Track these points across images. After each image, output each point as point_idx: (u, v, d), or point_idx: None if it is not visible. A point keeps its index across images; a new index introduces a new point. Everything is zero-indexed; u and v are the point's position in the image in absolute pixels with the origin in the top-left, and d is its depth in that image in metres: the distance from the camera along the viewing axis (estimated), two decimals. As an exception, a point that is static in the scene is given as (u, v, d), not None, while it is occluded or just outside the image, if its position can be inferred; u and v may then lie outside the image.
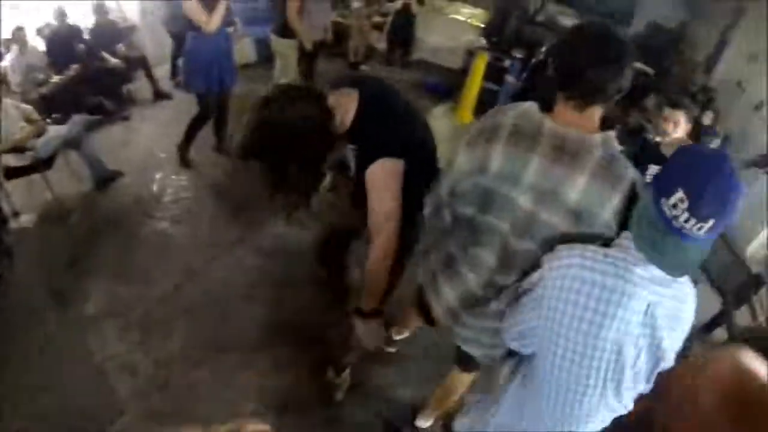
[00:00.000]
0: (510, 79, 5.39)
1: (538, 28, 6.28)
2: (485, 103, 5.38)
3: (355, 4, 5.86)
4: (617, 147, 1.16)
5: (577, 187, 1.11)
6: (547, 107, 1.21)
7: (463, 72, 5.69)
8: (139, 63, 4.92)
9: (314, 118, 1.45)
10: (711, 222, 0.94)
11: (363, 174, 1.53)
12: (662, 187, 1.00)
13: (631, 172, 1.14)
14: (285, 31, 3.90)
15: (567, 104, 1.16)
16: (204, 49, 3.45)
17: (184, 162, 3.90)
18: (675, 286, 1.03)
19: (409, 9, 5.90)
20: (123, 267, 2.98)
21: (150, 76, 4.92)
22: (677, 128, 2.68)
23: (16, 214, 3.33)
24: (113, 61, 4.67)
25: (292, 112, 1.42)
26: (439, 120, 5.49)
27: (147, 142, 4.25)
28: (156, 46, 5.40)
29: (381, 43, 6.53)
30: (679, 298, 1.05)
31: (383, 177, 1.50)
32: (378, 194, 1.51)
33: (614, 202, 1.11)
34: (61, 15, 4.42)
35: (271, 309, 2.80)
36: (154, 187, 3.71)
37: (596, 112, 1.17)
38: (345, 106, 1.55)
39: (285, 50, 4.03)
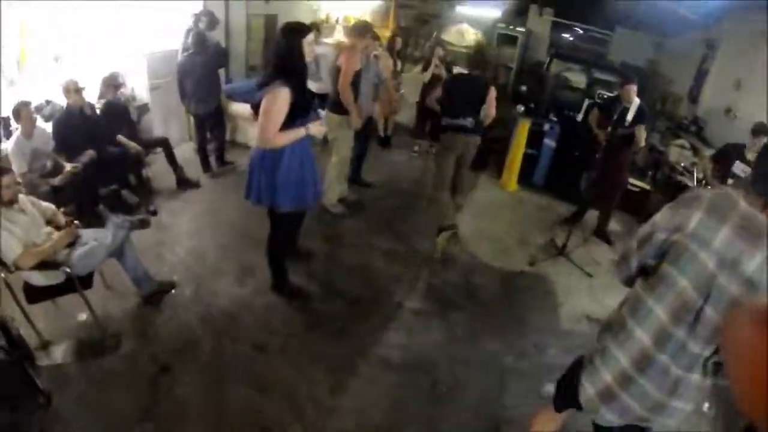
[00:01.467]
0: (549, 142, 5.23)
1: (558, 88, 6.35)
2: (526, 168, 5.24)
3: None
4: None
5: (755, 261, 1.27)
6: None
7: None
8: (159, 146, 4.23)
9: None
10: None
11: None
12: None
13: None
14: (338, 108, 3.85)
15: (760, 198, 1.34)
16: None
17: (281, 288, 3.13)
18: None
19: (440, 77, 5.68)
20: (218, 416, 2.20)
21: (174, 162, 4.22)
22: None
23: (45, 346, 2.49)
24: (132, 145, 3.94)
25: None
26: (486, 191, 5.16)
27: (189, 242, 3.53)
28: (166, 126, 4.77)
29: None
30: None
31: None
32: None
33: None
34: (74, 90, 3.55)
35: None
36: (222, 300, 2.97)
37: None
38: None
39: (337, 126, 3.90)
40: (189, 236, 3.59)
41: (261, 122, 2.41)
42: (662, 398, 1.44)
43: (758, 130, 3.74)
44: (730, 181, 3.80)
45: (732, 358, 0.71)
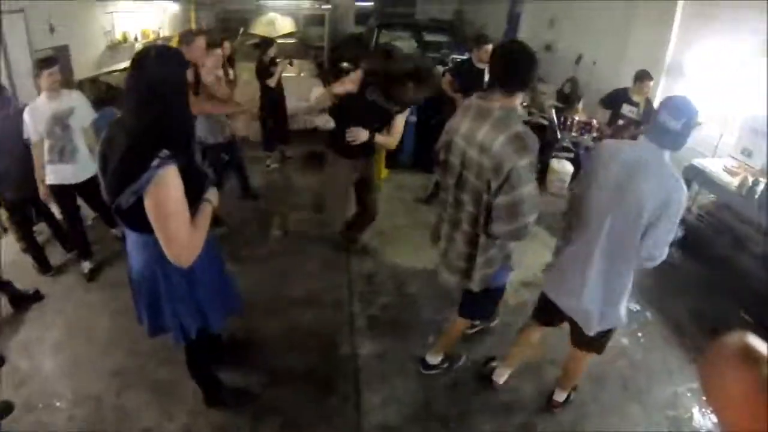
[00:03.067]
0: (409, 118, 5.22)
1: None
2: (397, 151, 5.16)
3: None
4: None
5: (482, 131, 1.98)
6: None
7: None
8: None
9: None
10: (683, 120, 1.83)
11: None
12: (657, 116, 1.90)
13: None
14: None
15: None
16: None
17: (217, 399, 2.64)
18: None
19: (280, 83, 5.31)
20: None
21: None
22: None
23: None
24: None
25: None
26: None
27: (60, 386, 2.80)
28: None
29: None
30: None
31: None
32: None
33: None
34: None
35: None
36: None
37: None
38: None
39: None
40: (57, 378, 2.81)
41: (164, 234, 1.63)
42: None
43: (640, 75, 4.26)
44: (620, 121, 4.23)
45: (720, 404, 0.70)
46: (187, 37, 3.49)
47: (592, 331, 2.18)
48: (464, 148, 2.04)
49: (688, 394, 3.02)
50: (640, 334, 3.46)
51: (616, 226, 1.95)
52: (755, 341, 0.69)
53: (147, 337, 2.08)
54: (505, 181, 1.88)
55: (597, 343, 2.32)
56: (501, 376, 2.80)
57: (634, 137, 4.21)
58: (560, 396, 2.77)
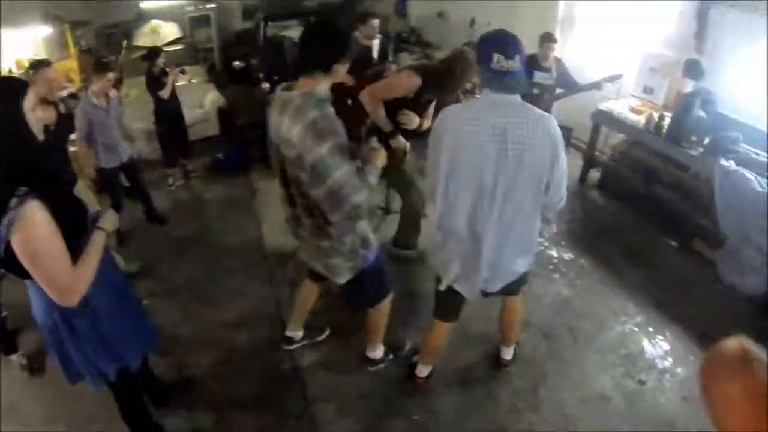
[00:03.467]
0: None
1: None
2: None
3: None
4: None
5: (284, 125, 1.81)
6: None
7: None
8: None
9: None
10: (517, 58, 1.69)
11: None
12: (485, 58, 1.71)
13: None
14: None
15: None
16: None
17: None
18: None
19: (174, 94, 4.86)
20: None
21: None
22: None
23: None
24: None
25: None
26: (266, 182, 4.76)
27: None
28: None
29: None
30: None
31: None
32: None
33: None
34: None
35: None
36: None
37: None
38: None
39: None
40: None
41: (40, 277, 1.48)
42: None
43: (545, 38, 4.13)
44: (534, 90, 4.08)
45: (720, 410, 0.69)
46: (36, 67, 3.07)
47: (516, 275, 2.10)
48: (278, 144, 1.89)
49: (636, 329, 3.09)
50: (578, 282, 3.49)
51: (507, 181, 1.78)
52: (752, 345, 0.70)
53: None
54: (313, 173, 1.75)
55: (521, 284, 2.27)
56: (423, 371, 2.65)
57: (549, 106, 4.21)
58: (507, 353, 2.74)
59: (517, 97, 1.75)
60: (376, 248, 2.21)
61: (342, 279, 2.15)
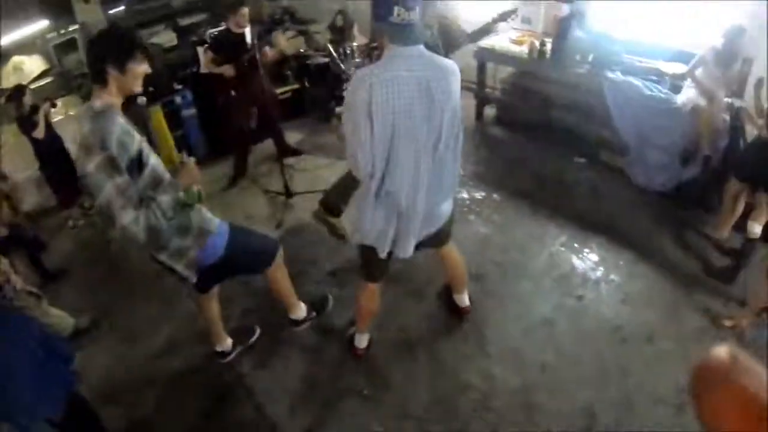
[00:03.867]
0: (188, 112, 4.76)
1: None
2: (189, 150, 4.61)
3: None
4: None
5: None
6: None
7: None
8: None
9: None
10: (417, 8, 1.66)
11: None
12: (385, 13, 1.67)
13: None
14: None
15: None
16: None
17: None
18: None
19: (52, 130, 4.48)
20: None
21: None
22: None
23: None
24: None
25: None
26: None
27: None
28: None
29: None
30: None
31: None
32: None
33: None
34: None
35: None
36: None
37: None
38: None
39: None
40: None
41: None
42: None
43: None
44: None
45: (713, 421, 0.69)
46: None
47: (444, 218, 2.17)
48: None
49: (562, 249, 3.18)
50: (495, 218, 3.54)
51: (436, 131, 1.84)
52: (741, 353, 0.70)
53: None
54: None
55: (449, 226, 2.31)
56: (362, 342, 2.62)
57: None
58: (464, 300, 2.74)
59: (424, 48, 1.75)
60: (213, 229, 2.10)
61: (192, 277, 2.09)
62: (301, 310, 2.69)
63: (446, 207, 2.14)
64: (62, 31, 8.36)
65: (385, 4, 1.66)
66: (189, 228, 2.00)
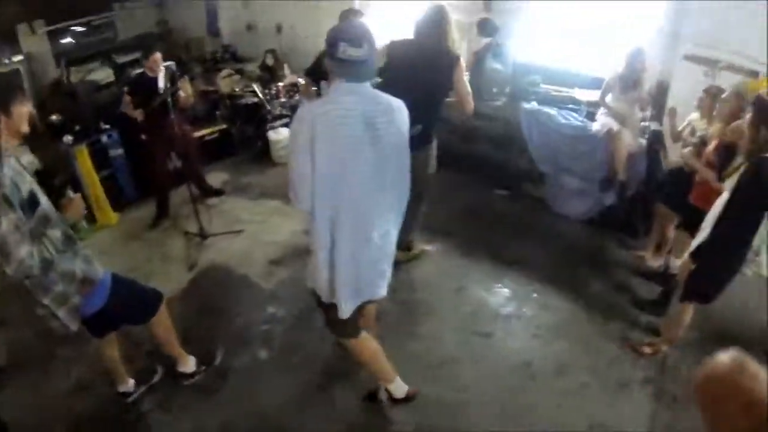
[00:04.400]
0: (115, 152, 4.60)
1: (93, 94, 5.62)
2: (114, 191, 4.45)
3: None
4: None
5: None
6: None
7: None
8: None
9: None
10: (365, 46, 1.66)
11: None
12: (332, 49, 1.68)
13: None
14: None
15: None
16: None
17: None
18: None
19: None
20: None
21: None
22: None
23: None
24: None
25: None
26: (93, 241, 4.12)
27: None
28: None
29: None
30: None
31: None
32: None
33: None
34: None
35: None
36: None
37: None
38: None
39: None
40: None
41: None
42: None
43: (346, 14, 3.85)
44: None
45: (718, 426, 0.71)
46: None
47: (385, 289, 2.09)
48: None
49: (473, 285, 3.13)
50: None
51: (382, 171, 1.82)
52: (747, 359, 0.70)
53: None
54: None
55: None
56: (399, 390, 2.41)
57: None
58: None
59: (369, 86, 1.76)
60: (97, 278, 2.10)
61: (74, 325, 2.07)
62: (188, 364, 2.63)
63: (387, 269, 2.05)
64: (5, 62, 8.22)
65: (332, 38, 1.68)
66: (74, 274, 2.01)
